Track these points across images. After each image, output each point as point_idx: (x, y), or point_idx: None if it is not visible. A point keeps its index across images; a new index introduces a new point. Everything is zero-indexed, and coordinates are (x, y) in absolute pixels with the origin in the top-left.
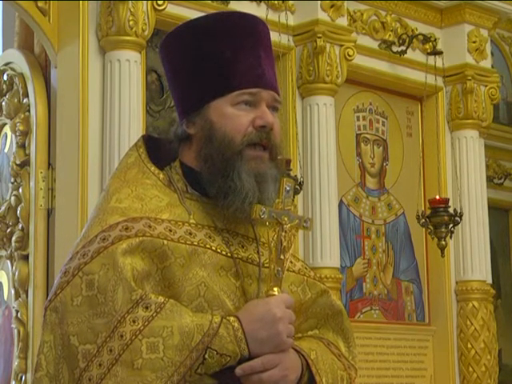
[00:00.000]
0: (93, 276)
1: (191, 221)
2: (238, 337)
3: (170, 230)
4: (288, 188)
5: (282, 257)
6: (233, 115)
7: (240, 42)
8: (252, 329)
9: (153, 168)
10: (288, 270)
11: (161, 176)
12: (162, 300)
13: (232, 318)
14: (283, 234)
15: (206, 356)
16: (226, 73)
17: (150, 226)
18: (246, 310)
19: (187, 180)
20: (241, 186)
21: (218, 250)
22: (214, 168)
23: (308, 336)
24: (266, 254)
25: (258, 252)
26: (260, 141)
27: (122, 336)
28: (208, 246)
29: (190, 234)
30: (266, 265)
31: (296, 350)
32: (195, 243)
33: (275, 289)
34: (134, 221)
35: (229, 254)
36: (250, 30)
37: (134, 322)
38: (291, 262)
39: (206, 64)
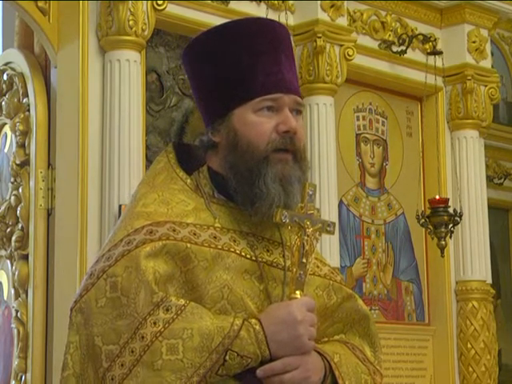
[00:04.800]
0: (116, 278)
1: (216, 225)
2: (258, 339)
3: (195, 234)
4: (311, 192)
5: (304, 260)
6: (256, 122)
7: (259, 48)
8: (273, 331)
9: (181, 173)
10: (314, 274)
11: (188, 181)
12: (183, 302)
13: (254, 321)
14: (305, 237)
15: (227, 358)
16: (246, 80)
17: (174, 230)
18: (267, 313)
19: (214, 185)
20: (267, 192)
21: (243, 254)
22: (240, 176)
23: (334, 340)
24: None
25: (283, 256)
26: (284, 146)
27: (143, 337)
28: (232, 249)
29: (215, 237)
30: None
31: (319, 353)
32: (219, 247)
33: (297, 292)
34: (158, 225)
35: (253, 258)
36: (270, 35)
37: (154, 323)
38: (318, 266)
39: (227, 72)
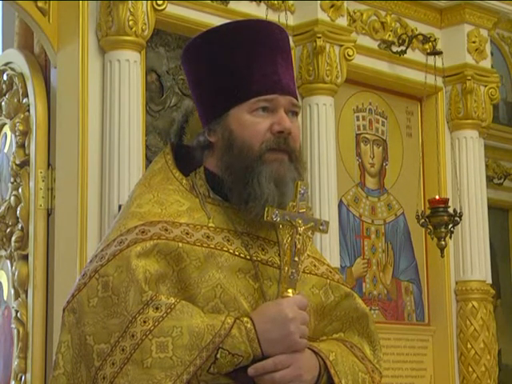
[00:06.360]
0: (108, 278)
1: (210, 224)
2: (250, 337)
3: (187, 233)
4: (303, 191)
5: (296, 259)
6: (250, 122)
7: (256, 49)
8: (264, 329)
9: (177, 174)
10: (310, 272)
11: (184, 181)
12: (173, 301)
13: (245, 319)
14: (297, 236)
15: (218, 356)
16: (242, 81)
17: (166, 230)
18: (259, 311)
19: (210, 185)
20: (260, 192)
21: (236, 253)
22: (235, 175)
23: (332, 339)
24: None
25: (279, 255)
26: (278, 146)
27: (133, 336)
28: (225, 248)
29: (208, 237)
30: None
31: (314, 351)
32: (212, 246)
33: (289, 290)
34: (151, 224)
35: (248, 257)
36: (266, 36)
37: (144, 322)
38: (315, 265)
39: (223, 73)
